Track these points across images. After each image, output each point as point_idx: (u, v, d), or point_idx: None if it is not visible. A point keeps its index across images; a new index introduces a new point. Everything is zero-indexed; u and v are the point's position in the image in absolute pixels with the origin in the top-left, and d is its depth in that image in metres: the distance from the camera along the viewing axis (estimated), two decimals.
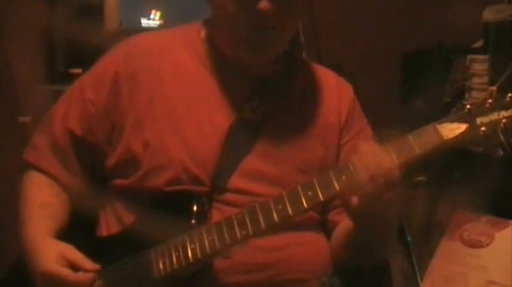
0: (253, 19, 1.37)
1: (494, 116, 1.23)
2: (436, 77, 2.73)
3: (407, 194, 2.44)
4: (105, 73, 1.48)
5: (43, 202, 1.46)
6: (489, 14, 2.54)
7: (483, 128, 1.24)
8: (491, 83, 2.47)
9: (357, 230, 1.37)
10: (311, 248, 1.44)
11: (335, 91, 1.54)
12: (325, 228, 1.49)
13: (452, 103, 2.60)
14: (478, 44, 2.66)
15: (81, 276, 1.33)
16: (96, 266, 1.35)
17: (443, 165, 2.33)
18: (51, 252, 1.35)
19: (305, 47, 2.49)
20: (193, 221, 1.34)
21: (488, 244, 1.48)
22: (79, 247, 1.38)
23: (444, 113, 2.69)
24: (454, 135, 1.24)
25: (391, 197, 1.25)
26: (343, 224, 1.45)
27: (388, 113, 2.67)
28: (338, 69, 1.63)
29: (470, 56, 2.58)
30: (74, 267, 1.34)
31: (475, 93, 2.53)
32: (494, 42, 2.49)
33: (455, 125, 1.25)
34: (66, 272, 1.33)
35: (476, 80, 2.54)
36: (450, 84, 2.68)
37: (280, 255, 1.39)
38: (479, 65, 2.53)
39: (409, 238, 2.40)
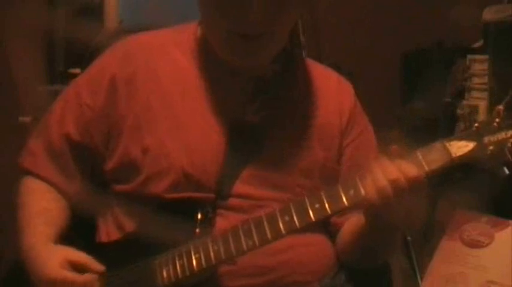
0: (232, 24, 1.35)
1: (501, 135, 1.25)
2: (436, 77, 2.73)
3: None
4: (101, 76, 1.46)
5: (41, 208, 1.45)
6: (489, 14, 2.54)
7: (491, 147, 1.25)
8: (491, 83, 2.47)
9: (368, 229, 1.36)
10: (313, 249, 1.43)
11: (336, 91, 1.53)
12: (328, 230, 1.49)
13: (452, 103, 2.60)
14: (478, 44, 2.66)
15: (88, 277, 1.33)
16: (102, 267, 1.34)
17: None
18: (55, 258, 1.34)
19: (305, 47, 2.49)
20: (197, 228, 1.33)
21: (488, 244, 1.47)
22: (80, 250, 1.37)
23: (444, 113, 2.70)
24: (462, 153, 1.25)
25: (412, 203, 1.26)
26: (351, 223, 1.45)
27: (388, 113, 2.67)
28: (338, 69, 1.63)
29: (470, 56, 2.58)
30: (79, 269, 1.34)
31: (475, 93, 2.54)
32: (494, 42, 2.49)
33: (463, 142, 1.26)
34: (72, 276, 1.32)
35: (476, 80, 2.54)
36: (450, 84, 2.68)
37: (283, 258, 1.38)
38: (479, 65, 2.53)
39: (409, 238, 2.40)
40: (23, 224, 1.43)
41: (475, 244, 1.48)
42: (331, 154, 1.48)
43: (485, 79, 2.49)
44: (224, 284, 1.33)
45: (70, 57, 2.93)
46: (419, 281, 2.15)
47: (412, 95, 2.86)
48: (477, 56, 2.56)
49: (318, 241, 1.45)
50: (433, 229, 2.40)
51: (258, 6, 1.32)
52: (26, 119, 2.52)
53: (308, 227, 1.30)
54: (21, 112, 2.57)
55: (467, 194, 2.20)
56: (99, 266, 1.34)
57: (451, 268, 1.47)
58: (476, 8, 2.58)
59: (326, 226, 1.48)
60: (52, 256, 1.35)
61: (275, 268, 1.36)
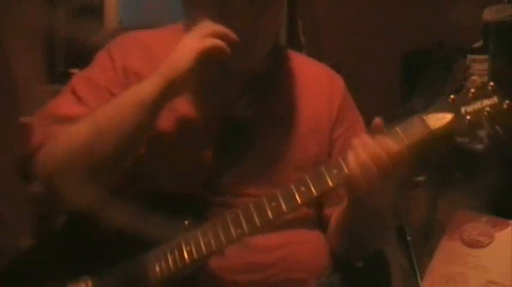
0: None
1: (477, 105, 1.27)
2: (436, 77, 2.73)
3: (407, 194, 2.44)
4: (112, 64, 1.45)
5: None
6: (489, 14, 2.54)
7: (468, 117, 1.26)
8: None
9: (354, 212, 1.37)
10: (308, 246, 1.44)
11: (326, 85, 1.54)
12: (322, 224, 1.49)
13: None
14: (478, 44, 2.66)
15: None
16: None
17: (443, 165, 2.33)
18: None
19: (305, 47, 2.50)
20: (189, 224, 1.33)
21: (488, 244, 1.47)
22: (72, 248, 1.37)
23: None
24: (441, 124, 1.27)
25: (389, 183, 1.27)
26: (338, 211, 1.46)
27: (388, 113, 2.67)
28: (338, 69, 1.63)
29: (470, 56, 2.58)
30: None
31: None
32: (494, 42, 2.50)
33: (441, 115, 1.28)
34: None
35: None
36: (450, 84, 2.68)
37: (277, 255, 1.38)
38: (479, 65, 2.53)
39: (409, 238, 2.40)
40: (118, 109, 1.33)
41: (475, 244, 1.48)
42: (323, 148, 1.48)
43: (485, 79, 2.49)
44: (219, 281, 1.33)
45: (70, 57, 2.93)
46: (419, 281, 2.15)
47: (412, 95, 2.86)
48: (477, 56, 2.56)
49: (314, 238, 1.46)
50: (433, 229, 2.40)
51: (241, 11, 1.34)
52: (26, 119, 2.52)
53: (296, 212, 1.32)
54: (21, 112, 2.57)
55: (467, 194, 2.20)
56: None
57: (451, 268, 1.47)
58: (476, 8, 2.59)
59: (320, 221, 1.49)
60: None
61: (270, 265, 1.37)
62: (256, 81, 1.47)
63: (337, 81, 1.56)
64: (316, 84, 1.53)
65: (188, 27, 1.46)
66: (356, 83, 1.61)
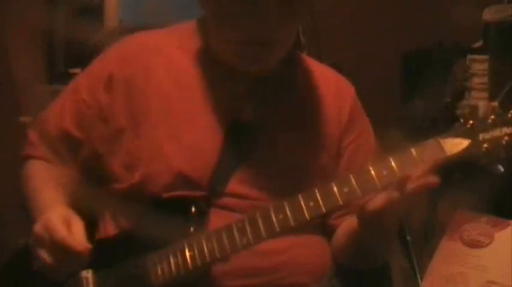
0: (246, 33, 1.35)
1: (496, 132, 1.24)
2: (436, 77, 2.73)
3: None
4: (99, 74, 1.46)
5: (50, 177, 1.46)
6: (489, 14, 2.54)
7: (485, 145, 1.24)
8: (491, 83, 2.47)
9: (362, 232, 1.36)
10: (310, 250, 1.43)
11: (335, 91, 1.52)
12: (324, 230, 1.48)
13: (452, 103, 2.61)
14: (478, 44, 2.66)
15: (80, 246, 1.26)
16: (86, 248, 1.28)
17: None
18: (58, 211, 1.31)
19: (305, 47, 2.49)
20: (191, 225, 1.33)
21: (488, 244, 1.47)
22: None
23: (444, 113, 2.70)
24: (457, 150, 1.25)
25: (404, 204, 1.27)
26: (345, 226, 1.45)
27: (388, 113, 2.67)
28: (338, 69, 1.63)
29: (470, 56, 2.59)
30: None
31: (475, 93, 2.54)
32: (494, 42, 2.50)
33: (458, 140, 1.25)
34: (64, 232, 1.27)
35: (476, 80, 2.54)
36: (450, 84, 2.68)
37: (279, 259, 1.37)
38: (479, 65, 2.54)
39: (409, 238, 2.40)
40: (32, 192, 1.44)
41: (475, 244, 1.48)
42: (329, 154, 1.47)
43: (485, 79, 2.49)
44: (221, 285, 1.33)
45: (70, 57, 2.93)
46: (419, 281, 2.15)
47: (412, 95, 2.86)
48: (477, 56, 2.57)
49: (315, 242, 1.45)
50: (433, 229, 2.40)
51: (273, 14, 1.33)
52: (26, 119, 2.52)
53: (303, 226, 1.30)
54: (21, 112, 2.57)
55: (467, 194, 2.20)
56: (84, 246, 1.28)
57: (451, 268, 1.47)
58: (476, 8, 2.59)
59: (323, 227, 1.48)
60: (58, 209, 1.33)
61: (272, 269, 1.36)
62: (265, 84, 1.46)
63: (347, 88, 1.55)
64: (326, 89, 1.51)
65: (205, 26, 1.46)
66: (356, 83, 1.61)
